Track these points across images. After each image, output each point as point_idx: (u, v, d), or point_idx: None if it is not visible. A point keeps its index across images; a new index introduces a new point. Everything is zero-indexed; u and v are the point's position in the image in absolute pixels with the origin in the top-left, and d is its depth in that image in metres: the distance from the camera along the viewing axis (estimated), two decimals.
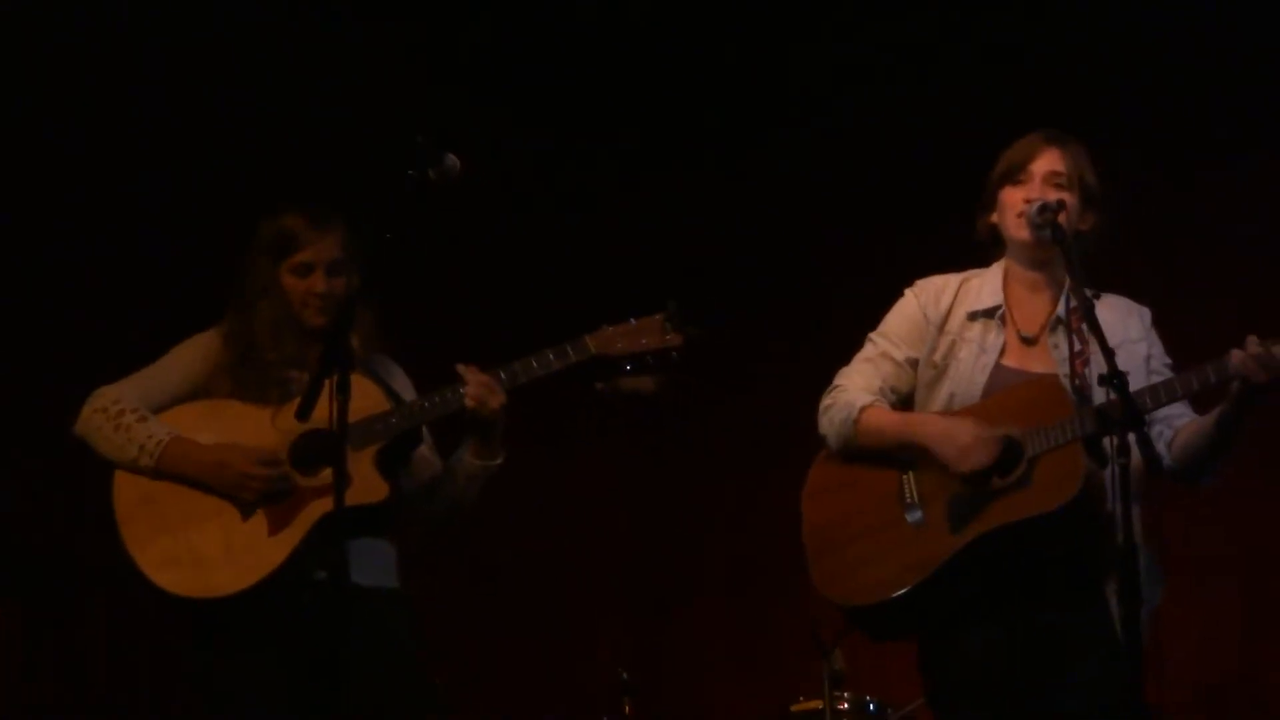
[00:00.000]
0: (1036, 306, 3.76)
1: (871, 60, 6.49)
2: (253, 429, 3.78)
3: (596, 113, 6.74)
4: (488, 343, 4.57)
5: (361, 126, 6.16)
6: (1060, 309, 3.70)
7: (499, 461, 3.88)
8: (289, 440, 3.75)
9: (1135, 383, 3.38)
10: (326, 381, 3.25)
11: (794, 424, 4.04)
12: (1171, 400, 3.55)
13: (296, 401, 3.34)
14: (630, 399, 3.95)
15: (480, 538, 5.98)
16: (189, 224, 6.10)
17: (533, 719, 6.22)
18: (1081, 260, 3.56)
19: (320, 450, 3.69)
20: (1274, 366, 3.41)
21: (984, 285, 3.80)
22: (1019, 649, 3.56)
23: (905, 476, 3.69)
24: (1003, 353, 3.73)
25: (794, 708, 5.58)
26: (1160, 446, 3.55)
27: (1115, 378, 3.24)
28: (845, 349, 3.90)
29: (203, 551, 3.71)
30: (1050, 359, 3.70)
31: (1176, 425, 3.64)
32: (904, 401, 3.82)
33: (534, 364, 3.77)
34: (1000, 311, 3.76)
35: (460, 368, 3.78)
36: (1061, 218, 3.61)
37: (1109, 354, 3.30)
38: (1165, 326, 3.81)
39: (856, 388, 3.78)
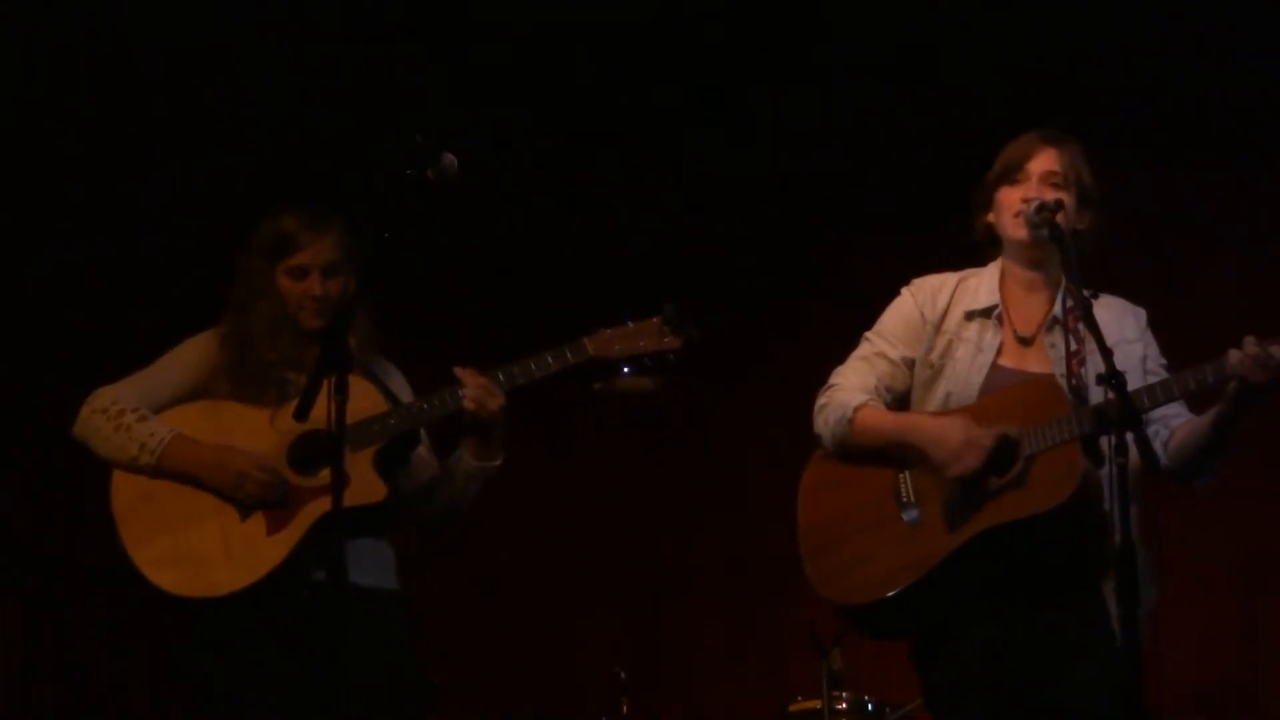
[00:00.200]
0: (1033, 306, 3.76)
1: (872, 60, 6.48)
2: (251, 430, 3.78)
3: (596, 113, 6.74)
4: (486, 343, 4.57)
5: (360, 126, 6.15)
6: (1057, 309, 3.69)
7: (498, 462, 3.88)
8: (287, 441, 3.75)
9: (1132, 383, 3.36)
10: (325, 382, 3.25)
11: (791, 423, 4.04)
12: (1169, 400, 3.54)
13: (295, 402, 3.33)
14: (628, 399, 3.96)
15: (478, 538, 5.99)
16: (189, 224, 6.10)
17: (530, 718, 6.21)
18: (1078, 260, 3.55)
19: (319, 451, 3.69)
20: (1272, 367, 3.40)
21: (981, 285, 3.80)
22: (1018, 648, 3.55)
23: (902, 475, 3.68)
24: (999, 352, 3.72)
25: (792, 708, 5.56)
26: (1156, 446, 3.53)
27: (1114, 377, 3.23)
28: (843, 349, 3.89)
29: (201, 551, 3.71)
30: (1047, 359, 3.69)
31: (1173, 425, 3.64)
32: (900, 400, 3.81)
33: (532, 366, 3.78)
34: (997, 311, 3.75)
35: (458, 370, 3.77)
36: (1059, 217, 3.60)
37: (1107, 353, 3.29)
38: (1163, 327, 3.80)
39: (851, 387, 3.77)
